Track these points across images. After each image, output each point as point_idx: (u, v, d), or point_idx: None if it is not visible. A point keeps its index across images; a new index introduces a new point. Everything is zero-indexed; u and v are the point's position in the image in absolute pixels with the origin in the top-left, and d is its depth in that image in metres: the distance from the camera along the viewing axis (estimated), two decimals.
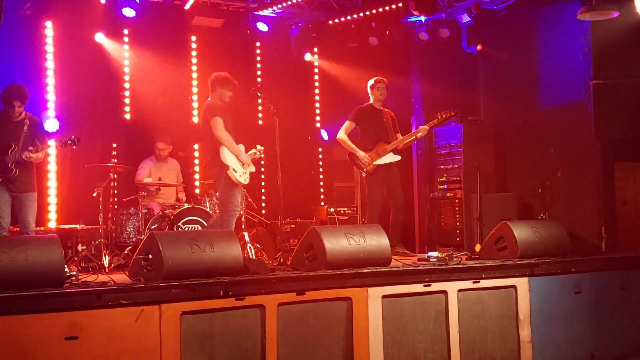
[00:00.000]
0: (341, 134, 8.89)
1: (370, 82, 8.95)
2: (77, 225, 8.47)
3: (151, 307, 5.37)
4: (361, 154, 8.75)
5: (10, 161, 7.09)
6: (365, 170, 8.77)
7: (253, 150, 7.92)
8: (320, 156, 11.57)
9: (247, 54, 10.97)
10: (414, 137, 9.03)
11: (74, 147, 7.27)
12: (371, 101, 8.97)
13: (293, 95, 10.91)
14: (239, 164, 7.64)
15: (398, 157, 8.82)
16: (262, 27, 10.60)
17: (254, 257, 8.20)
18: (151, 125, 9.74)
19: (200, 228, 8.32)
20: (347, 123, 8.91)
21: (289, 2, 10.25)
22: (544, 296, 7.15)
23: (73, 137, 7.23)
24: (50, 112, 9.25)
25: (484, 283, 6.90)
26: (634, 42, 8.81)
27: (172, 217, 8.29)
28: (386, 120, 8.90)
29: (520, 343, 7.00)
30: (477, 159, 9.58)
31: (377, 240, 6.82)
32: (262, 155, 8.14)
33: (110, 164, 8.64)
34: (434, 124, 9.07)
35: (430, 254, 7.42)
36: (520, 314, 7.02)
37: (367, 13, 10.54)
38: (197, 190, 9.86)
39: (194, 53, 10.56)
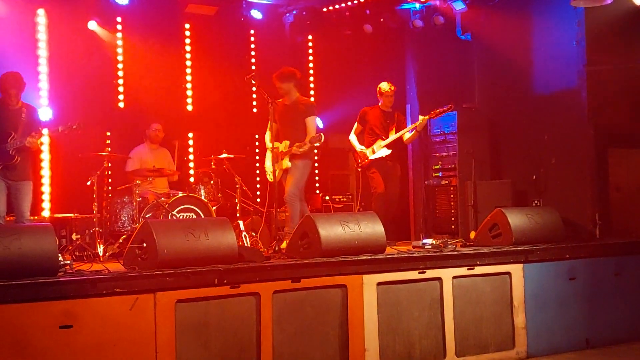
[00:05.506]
0: (350, 135, 9.33)
1: (378, 87, 9.21)
2: (71, 214, 8.44)
3: (146, 296, 5.37)
4: (358, 148, 9.16)
5: (11, 148, 7.13)
6: (360, 164, 9.12)
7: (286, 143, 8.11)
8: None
9: (241, 42, 10.91)
10: (409, 130, 9.15)
11: (79, 132, 7.29)
12: (380, 103, 9.23)
13: None
14: (269, 164, 7.93)
15: (388, 151, 9.02)
16: (256, 14, 10.56)
17: (249, 245, 8.20)
18: (145, 113, 9.69)
19: (195, 217, 8.31)
20: (355, 125, 9.31)
21: None
22: (538, 282, 7.17)
23: (78, 122, 7.26)
24: (43, 100, 9.20)
25: (479, 270, 6.91)
26: (628, 29, 8.83)
27: (166, 206, 8.27)
28: (391, 122, 9.16)
29: (514, 329, 7.03)
30: (472, 146, 9.60)
31: (371, 228, 6.82)
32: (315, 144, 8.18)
33: (104, 153, 8.62)
34: (425, 120, 9.08)
35: (425, 241, 7.45)
36: (514, 300, 7.04)
37: (362, 0, 10.51)
38: (192, 179, 9.82)
39: (187, 41, 10.50)
